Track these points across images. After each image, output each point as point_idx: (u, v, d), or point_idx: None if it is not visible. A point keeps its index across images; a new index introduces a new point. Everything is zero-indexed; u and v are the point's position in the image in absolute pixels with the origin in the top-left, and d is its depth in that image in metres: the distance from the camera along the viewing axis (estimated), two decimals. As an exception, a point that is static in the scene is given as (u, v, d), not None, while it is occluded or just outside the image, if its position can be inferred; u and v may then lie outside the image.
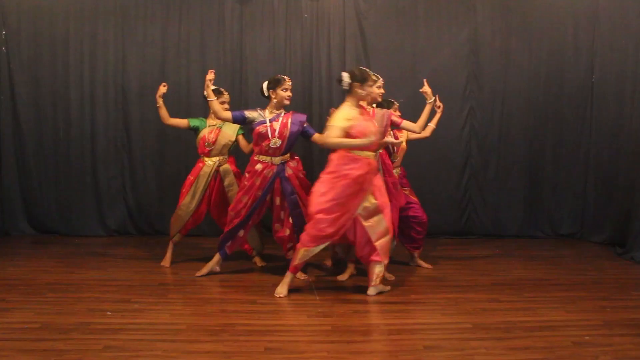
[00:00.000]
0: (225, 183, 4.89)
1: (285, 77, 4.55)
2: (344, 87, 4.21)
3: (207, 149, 4.85)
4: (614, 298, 4.29)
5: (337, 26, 6.19)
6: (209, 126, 4.89)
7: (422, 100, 5.79)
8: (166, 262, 5.00)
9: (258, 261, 5.09)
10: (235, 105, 5.46)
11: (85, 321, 3.59)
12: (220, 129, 4.87)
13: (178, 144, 6.04)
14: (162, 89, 4.81)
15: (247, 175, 4.55)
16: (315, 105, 6.18)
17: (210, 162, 4.87)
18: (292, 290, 4.37)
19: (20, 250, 5.54)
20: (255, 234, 4.98)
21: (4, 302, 3.94)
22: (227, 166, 4.91)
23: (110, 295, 4.17)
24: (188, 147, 5.71)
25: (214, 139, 4.83)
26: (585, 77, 6.21)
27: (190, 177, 4.91)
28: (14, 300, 3.99)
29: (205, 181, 4.85)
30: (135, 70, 6.01)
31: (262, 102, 6.13)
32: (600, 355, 3.21)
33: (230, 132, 4.88)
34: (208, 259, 4.80)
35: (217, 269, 4.71)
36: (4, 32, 5.96)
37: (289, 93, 4.52)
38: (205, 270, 4.69)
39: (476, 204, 6.40)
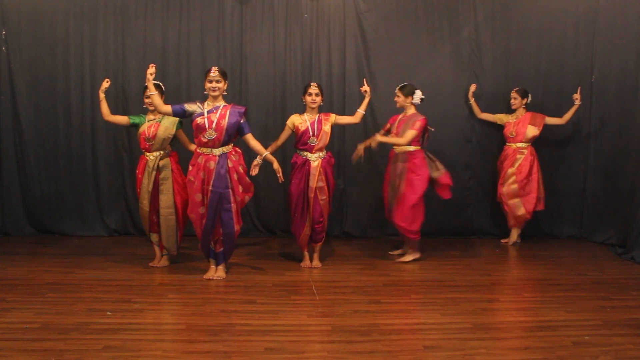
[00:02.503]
0: (161, 175, 4.84)
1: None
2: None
3: (148, 144, 4.83)
4: (614, 298, 4.29)
5: (337, 26, 6.19)
6: (148, 121, 4.90)
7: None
8: (156, 261, 5.01)
9: (164, 260, 5.02)
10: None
11: (85, 321, 3.59)
12: (159, 123, 4.85)
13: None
14: (105, 84, 4.93)
15: (190, 168, 4.55)
16: (315, 105, 6.18)
17: (152, 157, 4.83)
18: (292, 290, 4.38)
19: (20, 250, 5.54)
20: (173, 233, 4.89)
21: (4, 302, 3.94)
22: (166, 160, 4.86)
23: (110, 295, 4.17)
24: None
25: (153, 134, 4.81)
26: (585, 77, 6.21)
27: (139, 175, 4.89)
28: (14, 300, 3.99)
29: (152, 177, 4.81)
30: (135, 70, 6.00)
31: (264, 102, 6.18)
32: (600, 355, 3.21)
33: (170, 126, 4.85)
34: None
35: (224, 275, 4.68)
36: (4, 32, 5.96)
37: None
38: (210, 276, 4.67)
39: (476, 204, 6.41)
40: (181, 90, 6.04)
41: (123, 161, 6.13)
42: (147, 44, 6.07)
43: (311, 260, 5.11)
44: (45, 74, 6.03)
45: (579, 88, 6.01)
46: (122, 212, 6.22)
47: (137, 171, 4.93)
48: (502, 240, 6.16)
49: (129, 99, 6.02)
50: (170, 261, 5.03)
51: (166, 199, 4.82)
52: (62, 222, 6.16)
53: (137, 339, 3.34)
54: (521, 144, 5.98)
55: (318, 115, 5.01)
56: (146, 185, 4.82)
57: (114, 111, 6.00)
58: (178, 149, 5.06)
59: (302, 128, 4.96)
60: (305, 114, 5.03)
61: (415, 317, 3.89)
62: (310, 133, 4.93)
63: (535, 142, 6.05)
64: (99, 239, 6.07)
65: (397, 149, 5.26)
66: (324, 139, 4.97)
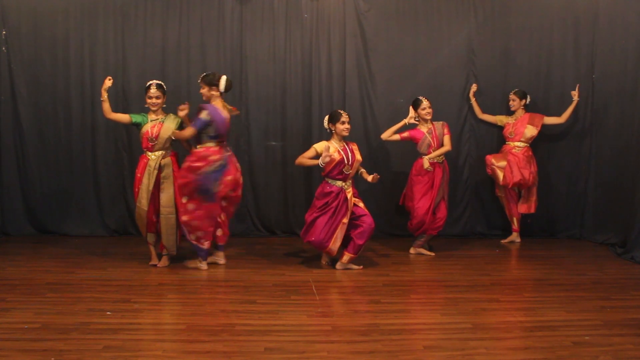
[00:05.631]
0: (162, 174, 4.86)
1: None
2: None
3: (151, 143, 4.85)
4: (614, 298, 4.29)
5: (337, 26, 6.18)
6: (151, 121, 4.91)
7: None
8: (154, 260, 5.02)
9: (164, 260, 5.01)
10: (236, 105, 5.47)
11: (85, 321, 3.59)
12: (162, 123, 4.87)
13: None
14: (108, 82, 4.92)
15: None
16: (315, 105, 6.18)
17: (153, 157, 4.85)
18: (292, 290, 4.38)
19: (20, 250, 5.54)
20: (173, 232, 4.90)
21: (4, 302, 3.94)
22: (168, 159, 4.89)
23: (110, 295, 4.17)
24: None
25: (156, 134, 4.83)
26: (585, 77, 6.20)
27: (138, 174, 4.89)
28: (14, 300, 4.00)
29: (153, 177, 4.82)
30: (135, 70, 6.00)
31: (264, 102, 6.18)
32: (600, 355, 3.21)
33: (173, 125, 4.88)
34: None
35: (222, 261, 4.97)
36: (4, 32, 5.96)
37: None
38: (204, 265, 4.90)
39: (476, 204, 6.41)
40: (181, 90, 6.03)
41: (123, 161, 6.13)
42: (147, 44, 6.07)
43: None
44: (45, 74, 6.03)
45: (578, 85, 6.03)
46: (122, 212, 6.21)
47: (136, 170, 4.94)
48: (502, 241, 6.16)
49: (129, 99, 6.02)
50: (170, 261, 5.03)
51: (167, 198, 4.83)
52: (62, 222, 6.16)
53: (137, 339, 3.34)
54: (519, 143, 5.99)
55: (346, 143, 4.99)
56: (146, 184, 4.82)
57: (114, 111, 6.00)
58: (178, 149, 5.06)
59: (337, 157, 4.87)
60: (332, 141, 4.95)
61: (415, 317, 3.89)
62: (346, 162, 4.88)
63: (535, 142, 6.05)
64: (99, 239, 6.07)
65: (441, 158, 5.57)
66: (356, 167, 4.96)
